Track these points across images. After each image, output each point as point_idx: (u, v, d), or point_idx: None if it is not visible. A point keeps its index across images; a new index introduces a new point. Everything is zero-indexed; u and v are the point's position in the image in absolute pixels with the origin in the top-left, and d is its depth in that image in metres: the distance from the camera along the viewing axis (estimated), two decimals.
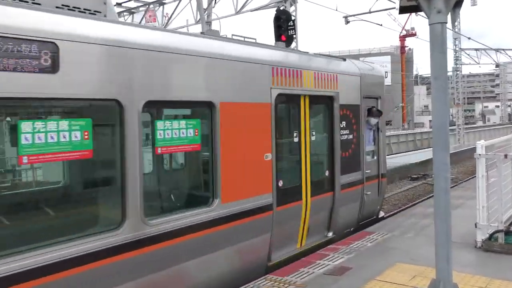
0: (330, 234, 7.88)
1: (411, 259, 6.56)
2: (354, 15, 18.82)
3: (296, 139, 7.13)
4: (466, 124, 40.86)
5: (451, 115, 35.24)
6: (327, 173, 7.80)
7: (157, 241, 4.84)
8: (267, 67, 6.42)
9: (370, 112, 8.84)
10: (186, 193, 6.48)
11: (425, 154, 22.98)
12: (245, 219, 5.91)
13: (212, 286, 5.65)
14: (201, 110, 5.72)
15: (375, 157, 9.14)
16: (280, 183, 6.62)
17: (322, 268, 6.29)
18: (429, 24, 3.53)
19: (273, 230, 6.43)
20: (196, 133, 5.46)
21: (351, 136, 8.22)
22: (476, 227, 7.12)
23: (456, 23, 28.45)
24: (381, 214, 9.80)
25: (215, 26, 16.60)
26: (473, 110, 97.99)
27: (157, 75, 4.97)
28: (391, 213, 12.60)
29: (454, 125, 34.25)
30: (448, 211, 3.66)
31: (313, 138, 7.46)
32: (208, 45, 5.75)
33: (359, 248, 7.18)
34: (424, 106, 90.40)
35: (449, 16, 3.55)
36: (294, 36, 14.82)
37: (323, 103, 7.82)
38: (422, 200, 13.55)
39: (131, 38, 4.79)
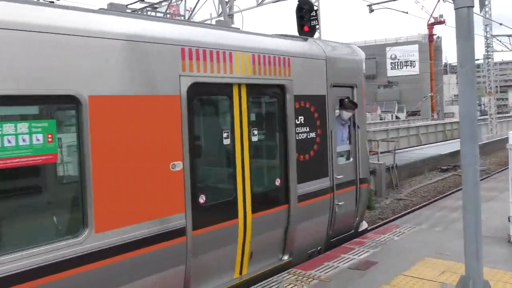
0: (286, 257, 6.28)
1: (439, 253, 6.36)
2: (378, 3, 18.34)
3: (227, 141, 5.53)
4: (498, 113, 39.45)
5: (483, 104, 34.05)
6: (277, 182, 6.12)
7: None
8: (174, 48, 4.85)
9: (342, 104, 7.26)
10: (41, 222, 4.43)
11: (455, 145, 22.32)
12: (136, 252, 4.46)
13: None
14: (59, 107, 4.33)
15: (351, 159, 7.48)
16: (202, 199, 5.12)
17: (347, 262, 6.18)
18: (455, 9, 3.37)
19: (189, 261, 4.93)
20: (50, 139, 3.99)
21: (312, 135, 6.56)
22: (509, 221, 6.85)
23: (486, 8, 27.41)
24: (363, 226, 8.03)
25: (237, 19, 16.55)
26: (506, 99, 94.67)
27: None
28: (419, 205, 12.30)
29: (486, 115, 33.15)
30: (478, 205, 3.50)
31: (254, 138, 5.85)
32: (68, 18, 4.21)
33: (385, 242, 7.01)
34: (454, 95, 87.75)
35: (476, 0, 3.37)
36: (317, 26, 14.57)
37: (269, 94, 6.30)
38: (452, 192, 13.17)
39: None
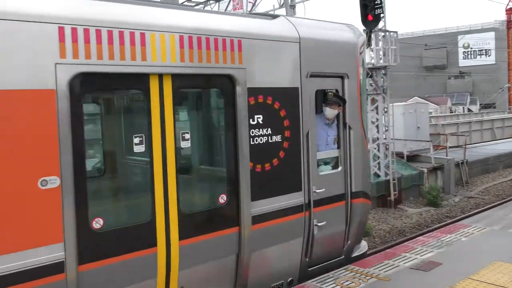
0: None
1: None
2: None
3: (139, 148, 4.27)
4: None
5: None
6: (222, 199, 4.83)
7: None
8: (45, 27, 3.65)
9: (326, 100, 5.69)
10: None
11: None
12: None
13: None
14: None
15: (340, 168, 5.93)
16: (97, 224, 3.95)
17: (408, 261, 5.90)
18: None
19: None
20: None
21: (277, 138, 5.14)
22: None
23: None
24: (361, 249, 6.44)
25: (299, 9, 16.30)
26: None
27: None
28: (492, 204, 11.53)
29: None
30: None
31: (184, 144, 4.64)
32: None
33: (451, 242, 6.61)
34: None
35: None
36: (382, 15, 14.02)
37: (211, 87, 5.03)
38: None
39: None
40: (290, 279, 5.54)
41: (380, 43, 14.77)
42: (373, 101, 15.38)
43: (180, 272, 4.49)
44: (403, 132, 17.63)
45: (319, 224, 5.58)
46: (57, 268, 3.72)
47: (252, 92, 4.91)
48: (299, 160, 5.38)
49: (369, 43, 14.02)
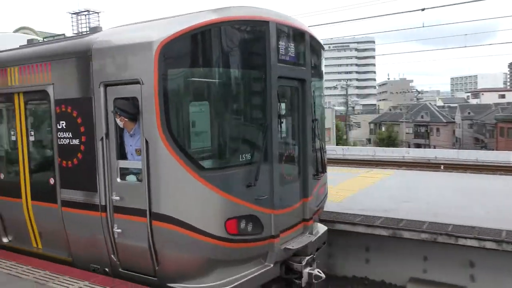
0: None
1: None
2: None
3: (14, 138, 6.05)
4: None
5: None
6: (51, 181, 6.30)
7: None
8: None
9: (114, 109, 5.55)
10: None
11: None
12: None
13: None
14: None
15: (142, 182, 5.41)
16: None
17: None
18: None
19: None
20: None
21: (75, 141, 5.88)
22: None
23: None
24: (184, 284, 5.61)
25: None
26: None
27: None
28: None
29: None
30: None
31: (32, 139, 6.55)
32: None
33: None
34: None
35: None
36: None
37: (40, 99, 6.45)
38: None
39: None
40: (105, 268, 5.93)
41: None
42: None
43: (34, 217, 6.66)
44: None
45: (117, 230, 5.60)
46: None
47: (58, 102, 6.12)
48: (94, 164, 5.75)
49: None
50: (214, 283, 5.29)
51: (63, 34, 7.15)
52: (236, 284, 5.31)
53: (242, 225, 5.29)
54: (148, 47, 5.08)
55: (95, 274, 5.89)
